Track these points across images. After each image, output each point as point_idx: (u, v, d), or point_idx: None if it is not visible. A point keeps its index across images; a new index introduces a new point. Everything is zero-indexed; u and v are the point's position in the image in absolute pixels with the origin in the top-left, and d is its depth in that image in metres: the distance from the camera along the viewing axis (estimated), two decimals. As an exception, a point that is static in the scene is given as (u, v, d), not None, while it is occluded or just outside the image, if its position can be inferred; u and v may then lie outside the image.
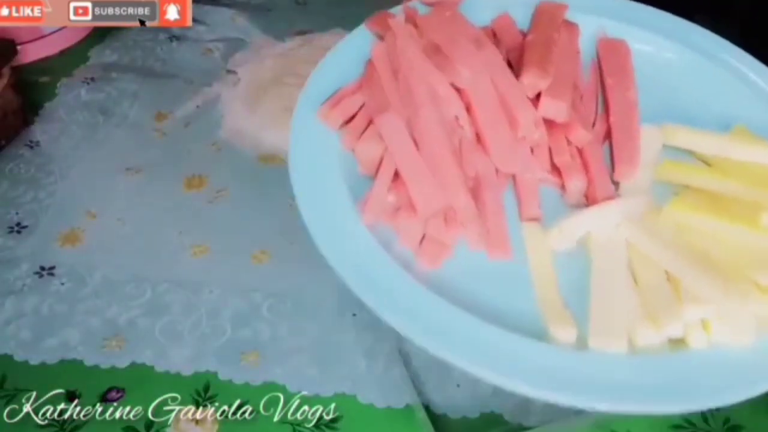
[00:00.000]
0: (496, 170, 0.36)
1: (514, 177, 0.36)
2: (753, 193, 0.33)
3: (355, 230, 0.33)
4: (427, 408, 0.46)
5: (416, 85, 0.36)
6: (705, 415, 0.47)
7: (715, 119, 0.39)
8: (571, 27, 0.43)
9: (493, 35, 0.43)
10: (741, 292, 0.29)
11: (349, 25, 0.75)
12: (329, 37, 0.77)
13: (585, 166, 0.36)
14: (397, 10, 0.45)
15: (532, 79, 0.37)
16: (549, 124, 0.37)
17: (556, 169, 0.37)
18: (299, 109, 0.38)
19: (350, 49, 0.41)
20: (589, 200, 0.36)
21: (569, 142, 0.37)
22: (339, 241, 0.33)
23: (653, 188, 0.35)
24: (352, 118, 0.38)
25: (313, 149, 0.37)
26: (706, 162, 0.37)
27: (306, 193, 0.35)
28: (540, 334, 0.30)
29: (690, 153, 0.38)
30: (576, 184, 0.36)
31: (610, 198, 0.34)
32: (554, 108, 0.36)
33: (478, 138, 0.36)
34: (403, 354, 0.49)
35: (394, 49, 0.39)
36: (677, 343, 0.29)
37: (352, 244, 0.33)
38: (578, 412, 0.46)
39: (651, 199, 0.34)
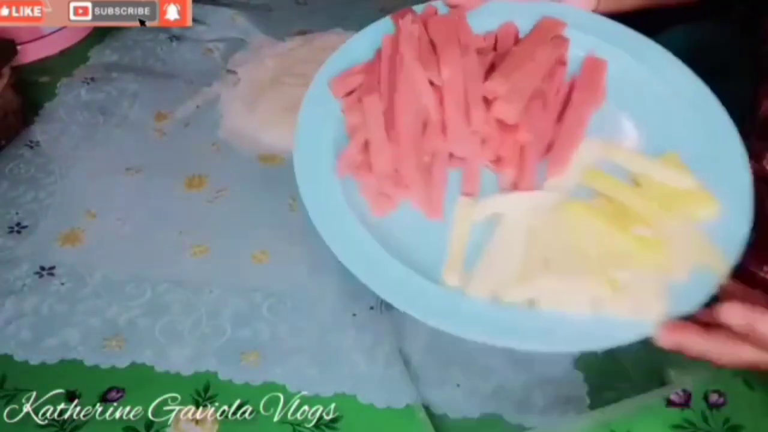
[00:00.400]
0: (451, 153, 0.44)
1: (464, 160, 0.44)
2: (654, 210, 0.40)
3: (329, 178, 0.42)
4: (427, 408, 0.46)
5: (401, 76, 0.44)
6: (705, 415, 0.47)
7: (666, 144, 0.44)
8: (562, 42, 0.48)
9: (495, 40, 0.49)
10: (592, 279, 0.38)
11: (350, 25, 0.76)
12: (329, 37, 0.77)
13: (521, 161, 0.43)
14: (421, 9, 0.49)
15: (492, 85, 0.44)
16: (503, 123, 0.44)
17: (499, 159, 0.44)
18: (319, 78, 0.46)
19: (372, 36, 0.48)
20: (515, 188, 0.43)
21: (515, 140, 0.44)
22: (315, 184, 0.41)
23: (579, 191, 0.42)
24: (354, 91, 0.46)
25: (319, 110, 0.45)
26: (635, 180, 0.43)
27: (302, 143, 0.44)
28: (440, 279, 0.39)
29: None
30: (508, 173, 0.43)
31: (530, 189, 0.42)
32: (505, 111, 0.43)
33: (443, 125, 0.44)
34: (403, 354, 0.49)
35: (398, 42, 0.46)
36: (532, 302, 0.38)
37: (324, 188, 0.41)
38: (578, 413, 0.46)
39: (564, 197, 0.41)
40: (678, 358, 0.48)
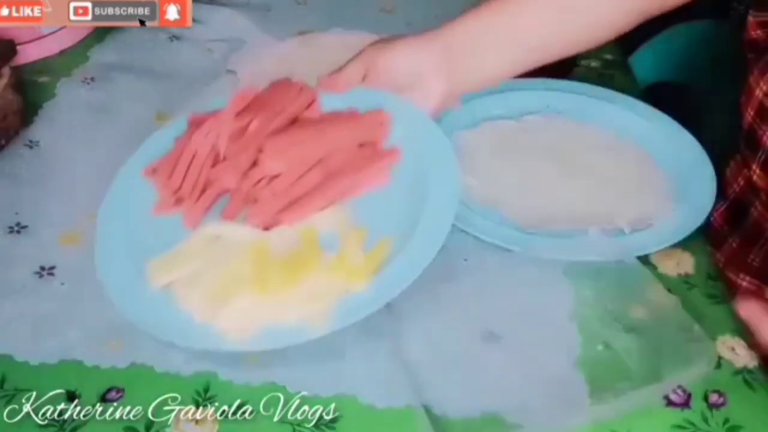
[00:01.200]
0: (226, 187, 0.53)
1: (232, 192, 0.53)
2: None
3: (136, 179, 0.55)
4: (427, 408, 0.46)
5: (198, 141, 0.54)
6: (705, 415, 0.47)
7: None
8: (373, 125, 0.54)
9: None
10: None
11: (350, 25, 0.75)
12: (329, 37, 0.77)
13: (265, 206, 0.51)
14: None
15: (266, 142, 0.52)
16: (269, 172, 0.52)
17: (254, 199, 0.52)
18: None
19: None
20: (251, 222, 0.51)
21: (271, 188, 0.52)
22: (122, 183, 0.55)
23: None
24: None
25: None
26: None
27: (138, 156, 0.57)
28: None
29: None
30: (252, 210, 0.51)
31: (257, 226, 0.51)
32: (266, 166, 0.52)
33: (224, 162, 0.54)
34: (403, 354, 0.49)
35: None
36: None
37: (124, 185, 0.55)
38: (578, 413, 0.46)
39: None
40: (678, 358, 0.48)
